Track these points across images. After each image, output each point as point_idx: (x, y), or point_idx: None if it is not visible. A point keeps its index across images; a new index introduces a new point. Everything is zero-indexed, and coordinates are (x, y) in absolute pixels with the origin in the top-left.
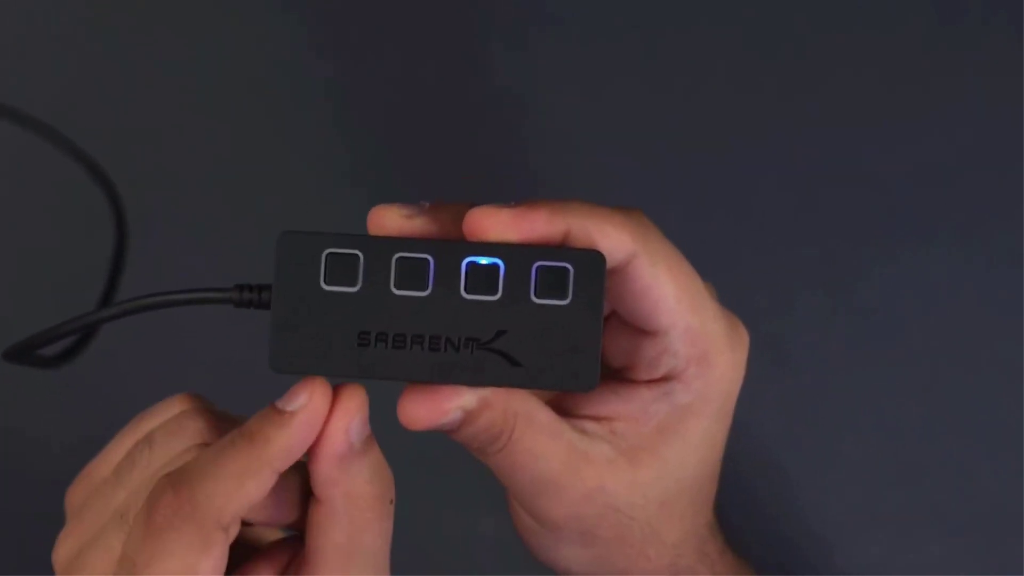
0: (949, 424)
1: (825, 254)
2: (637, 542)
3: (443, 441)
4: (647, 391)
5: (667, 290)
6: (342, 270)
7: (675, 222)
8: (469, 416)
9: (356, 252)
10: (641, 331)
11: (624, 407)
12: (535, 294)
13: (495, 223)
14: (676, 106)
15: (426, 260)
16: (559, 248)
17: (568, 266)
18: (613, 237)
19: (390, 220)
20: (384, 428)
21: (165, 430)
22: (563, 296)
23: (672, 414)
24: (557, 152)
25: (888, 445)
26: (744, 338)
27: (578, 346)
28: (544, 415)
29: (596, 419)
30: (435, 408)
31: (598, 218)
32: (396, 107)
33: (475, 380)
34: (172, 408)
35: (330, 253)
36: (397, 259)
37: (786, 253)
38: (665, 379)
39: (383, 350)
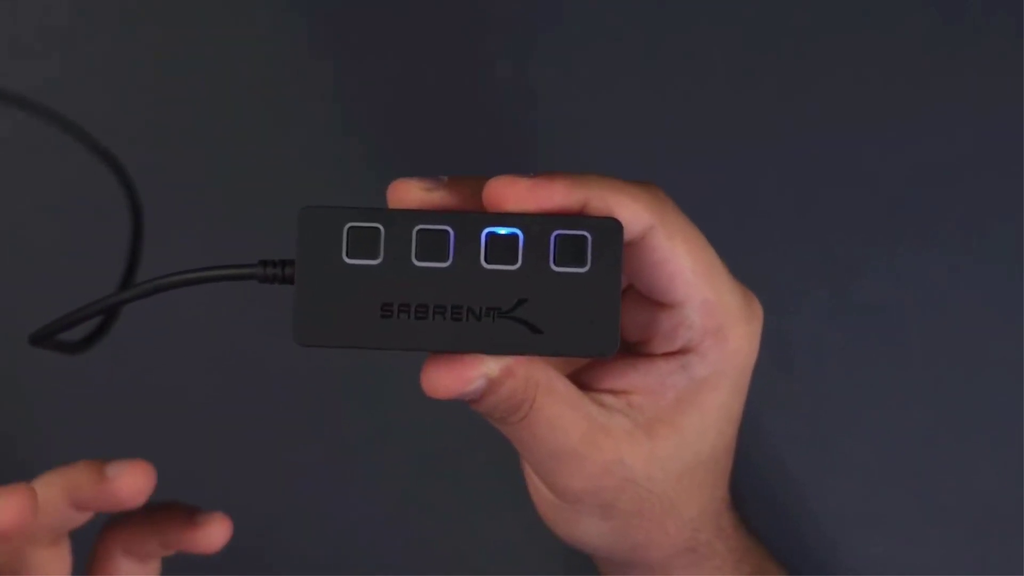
0: (951, 424)
1: (827, 253)
2: (656, 516)
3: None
4: (664, 364)
5: (684, 263)
6: (364, 243)
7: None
8: (492, 384)
9: (377, 225)
10: (658, 304)
11: (642, 380)
12: (554, 263)
13: (514, 193)
14: (677, 107)
15: (446, 232)
16: (577, 217)
17: (586, 234)
18: (631, 209)
19: (410, 193)
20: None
21: None
22: (582, 264)
23: (689, 387)
24: (560, 152)
25: (890, 444)
26: (759, 312)
27: (598, 312)
28: (564, 386)
29: (614, 392)
30: (459, 376)
31: (616, 190)
32: (402, 107)
33: (497, 348)
34: None
35: (351, 227)
36: (417, 231)
37: (788, 252)
38: (682, 352)
39: (406, 321)
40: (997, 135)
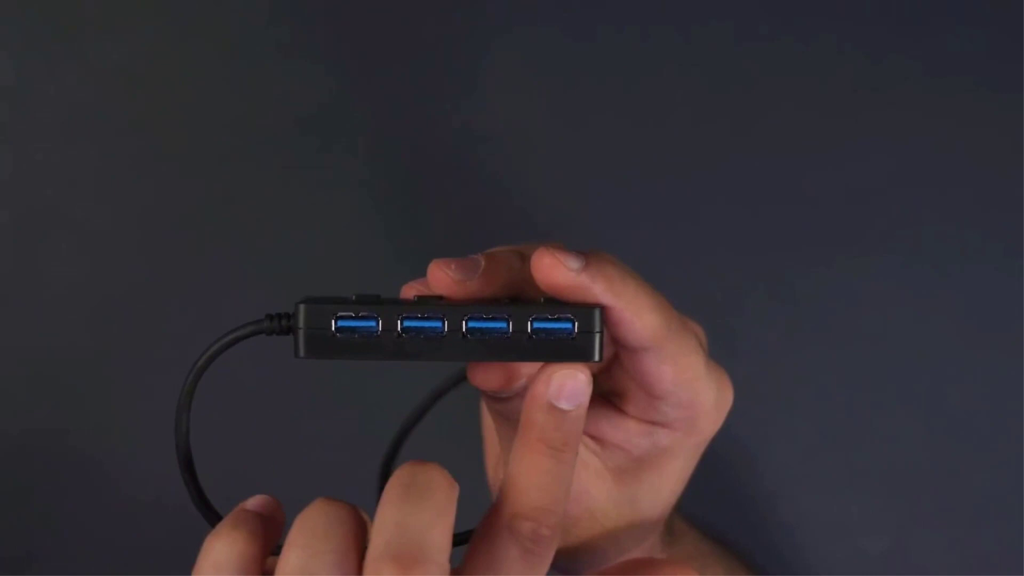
0: (948, 424)
1: (769, 259)
2: (601, 545)
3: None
4: (634, 425)
5: (667, 378)
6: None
7: (666, 238)
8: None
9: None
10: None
11: (612, 434)
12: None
13: (561, 278)
14: (649, 135)
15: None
16: (561, 303)
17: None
18: (638, 331)
19: (442, 281)
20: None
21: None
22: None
23: (653, 451)
24: (541, 174)
25: (888, 446)
26: (729, 395)
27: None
28: None
29: (589, 436)
30: (510, 372)
31: (637, 307)
32: (393, 130)
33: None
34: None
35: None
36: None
37: (736, 259)
38: (651, 422)
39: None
40: (918, 162)
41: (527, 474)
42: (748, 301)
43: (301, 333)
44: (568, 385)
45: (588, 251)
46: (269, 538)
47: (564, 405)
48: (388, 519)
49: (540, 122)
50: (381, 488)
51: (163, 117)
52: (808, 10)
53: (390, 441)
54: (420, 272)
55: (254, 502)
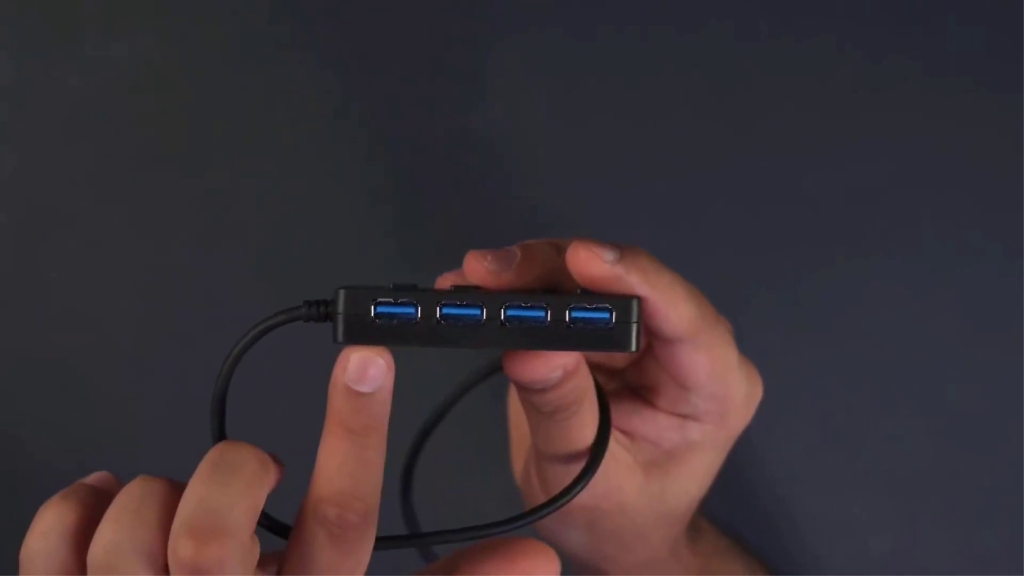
0: (948, 424)
1: (773, 259)
2: (629, 539)
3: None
4: (665, 419)
5: (701, 370)
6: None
7: (666, 239)
8: (567, 375)
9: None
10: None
11: (642, 428)
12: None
13: (597, 270)
14: (649, 135)
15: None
16: (599, 295)
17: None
18: (673, 322)
19: (479, 274)
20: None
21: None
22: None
23: (683, 445)
24: (544, 177)
25: (889, 446)
26: (759, 390)
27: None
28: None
29: (620, 430)
30: (546, 363)
31: (672, 297)
32: (393, 130)
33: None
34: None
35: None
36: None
37: (742, 258)
38: (682, 416)
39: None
40: (918, 162)
41: (329, 459)
42: (748, 301)
43: (341, 318)
44: (368, 369)
45: (622, 244)
46: (101, 511)
47: (363, 389)
48: (192, 496)
49: (541, 122)
50: (404, 484)
51: (163, 116)
52: (808, 10)
53: (415, 434)
54: (421, 271)
55: (93, 477)
